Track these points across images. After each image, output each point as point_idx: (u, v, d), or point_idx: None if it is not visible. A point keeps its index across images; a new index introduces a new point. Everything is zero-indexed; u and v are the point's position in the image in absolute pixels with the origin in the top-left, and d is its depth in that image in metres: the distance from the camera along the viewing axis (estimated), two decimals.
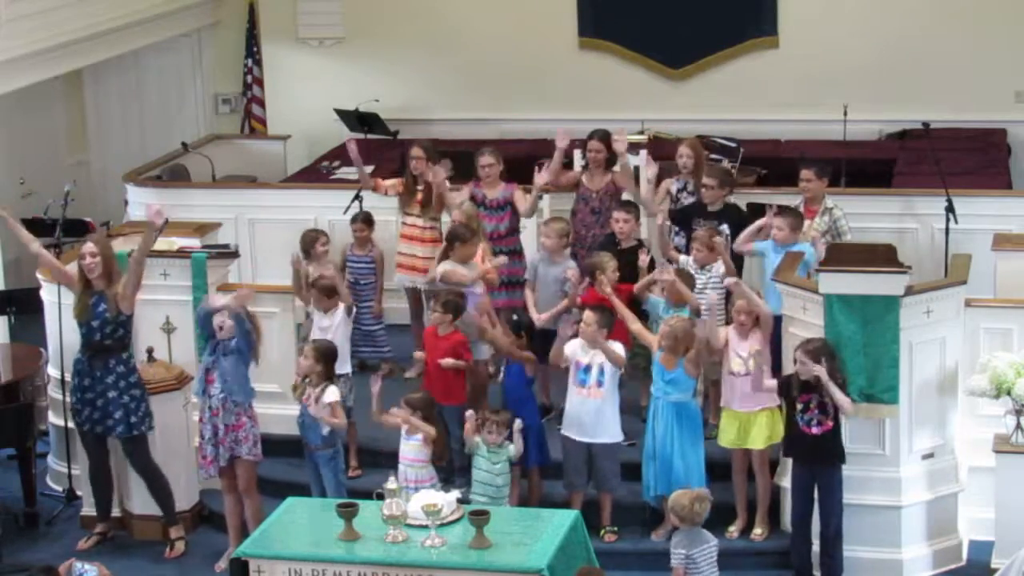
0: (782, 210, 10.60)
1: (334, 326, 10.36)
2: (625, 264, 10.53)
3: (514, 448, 9.60)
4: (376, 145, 15.12)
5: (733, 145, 13.73)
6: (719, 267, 10.45)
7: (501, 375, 10.55)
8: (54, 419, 11.08)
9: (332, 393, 9.68)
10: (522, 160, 12.18)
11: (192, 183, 14.14)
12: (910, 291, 9.39)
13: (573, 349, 9.83)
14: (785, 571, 9.65)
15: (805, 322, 9.62)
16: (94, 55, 14.33)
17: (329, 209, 12.72)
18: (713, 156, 13.14)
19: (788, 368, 9.59)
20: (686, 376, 9.58)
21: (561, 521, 8.72)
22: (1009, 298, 10.02)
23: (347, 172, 14.13)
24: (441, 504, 8.55)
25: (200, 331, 10.21)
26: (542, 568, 8.19)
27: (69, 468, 10.87)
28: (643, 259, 10.54)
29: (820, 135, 14.69)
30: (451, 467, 10.08)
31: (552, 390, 10.83)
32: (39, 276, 10.98)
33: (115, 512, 10.51)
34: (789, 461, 9.51)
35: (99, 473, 10.35)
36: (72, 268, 10.17)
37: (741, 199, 11.90)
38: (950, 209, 11.66)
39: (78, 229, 12.96)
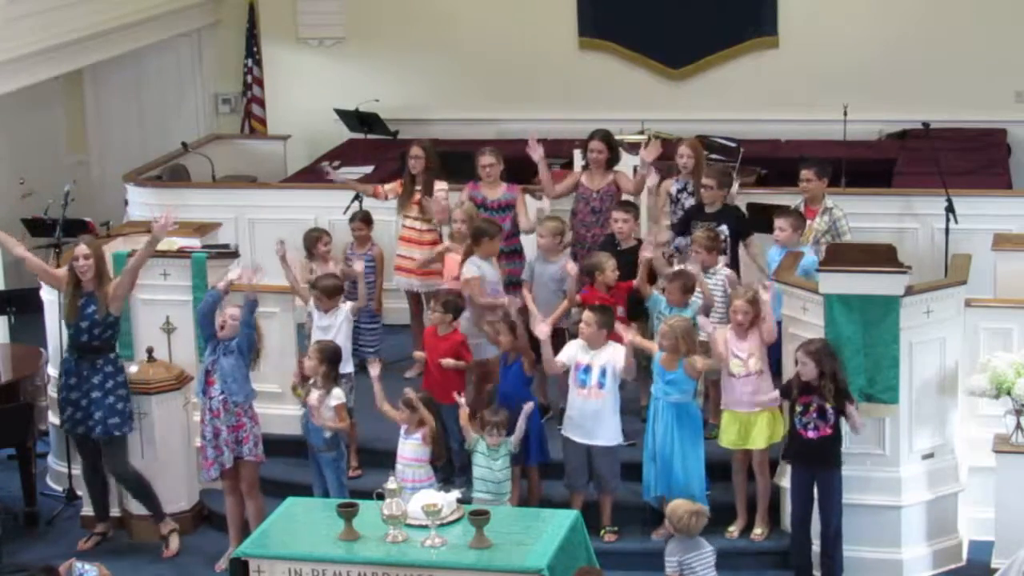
0: (783, 211, 10.64)
1: (336, 326, 10.36)
2: (624, 264, 10.53)
3: (514, 438, 9.58)
4: (376, 145, 15.14)
5: (733, 145, 13.73)
6: (723, 270, 10.45)
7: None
8: (54, 419, 11.06)
9: (337, 396, 9.69)
10: (522, 160, 12.16)
11: (192, 183, 14.14)
12: (910, 291, 9.39)
13: (573, 350, 9.82)
14: (785, 571, 9.65)
15: (805, 322, 9.62)
16: (94, 55, 14.34)
17: (329, 209, 12.71)
18: (713, 156, 13.15)
19: (788, 369, 9.58)
20: (686, 377, 9.58)
21: (561, 521, 8.72)
22: (1009, 298, 10.02)
23: (347, 172, 14.13)
24: (441, 504, 8.55)
25: (200, 331, 10.21)
26: (542, 568, 8.19)
27: (69, 468, 10.87)
28: (643, 255, 10.53)
29: (820, 135, 14.70)
30: (451, 467, 10.08)
31: (550, 390, 10.83)
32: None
33: (115, 512, 10.52)
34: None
35: (93, 474, 10.36)
36: (58, 270, 10.20)
37: (741, 199, 11.91)
38: (950, 209, 11.65)
39: (78, 229, 12.93)
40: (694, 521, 8.55)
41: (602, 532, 9.85)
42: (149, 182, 13.61)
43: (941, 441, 9.66)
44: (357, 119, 15.35)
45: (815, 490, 9.35)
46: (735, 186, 11.71)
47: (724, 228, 10.83)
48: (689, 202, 11.34)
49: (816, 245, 10.78)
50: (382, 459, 10.12)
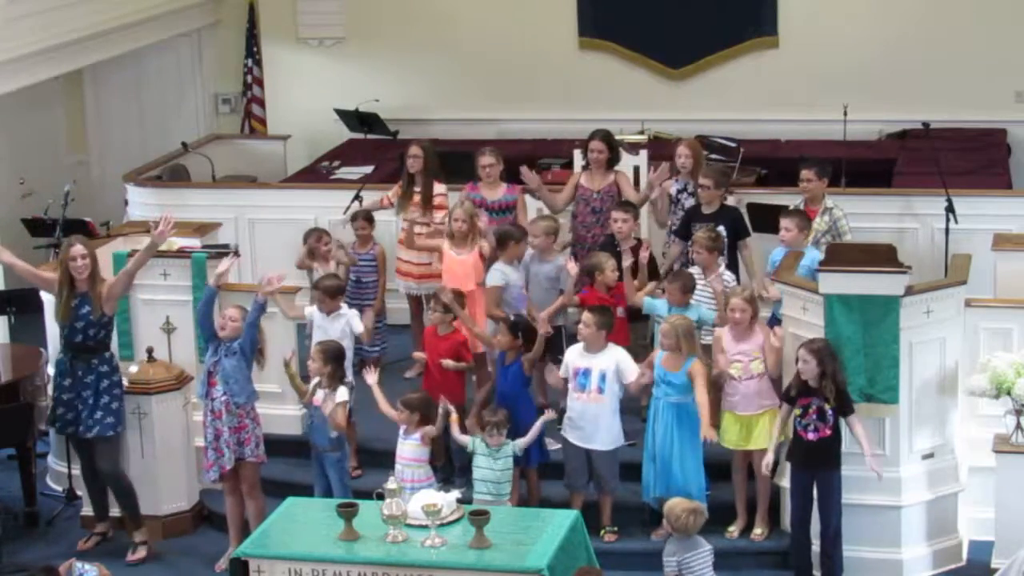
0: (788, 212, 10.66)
1: (337, 329, 10.35)
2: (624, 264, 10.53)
3: (523, 441, 9.55)
4: (376, 145, 15.13)
5: (733, 145, 13.73)
6: (726, 273, 10.45)
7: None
8: None
9: (342, 394, 9.70)
10: (522, 160, 12.16)
11: (192, 183, 14.13)
12: (910, 291, 9.38)
13: (572, 356, 9.81)
14: (785, 571, 9.65)
15: (805, 322, 9.61)
16: (94, 55, 14.33)
17: (329, 209, 12.71)
18: (713, 156, 13.15)
19: (788, 369, 9.58)
20: (687, 379, 9.56)
21: (561, 521, 8.72)
22: (1009, 298, 10.02)
23: (347, 172, 14.14)
24: (441, 504, 8.55)
25: (200, 331, 10.19)
26: (542, 568, 8.19)
27: (69, 468, 10.87)
28: (642, 254, 10.53)
29: (820, 135, 14.70)
30: (451, 467, 10.08)
31: (550, 390, 10.82)
32: None
33: (115, 512, 10.51)
34: (771, 452, 9.48)
35: (92, 474, 10.34)
36: (47, 273, 10.17)
37: (741, 199, 11.91)
38: (950, 209, 11.65)
39: (78, 229, 12.94)
40: (692, 520, 8.54)
41: (602, 532, 9.85)
42: (149, 182, 13.60)
43: (941, 441, 9.65)
44: (357, 119, 15.35)
45: (815, 490, 9.35)
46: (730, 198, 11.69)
47: (722, 229, 10.82)
48: (689, 202, 11.34)
49: (816, 245, 10.77)
50: (382, 459, 10.12)
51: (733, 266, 10.85)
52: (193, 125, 16.57)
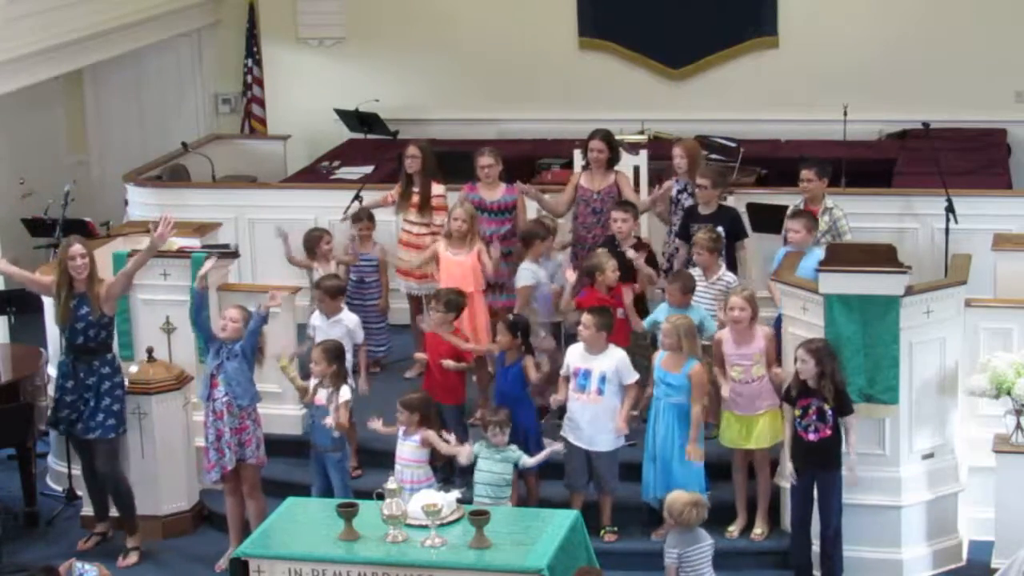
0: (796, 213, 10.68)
1: (337, 334, 10.35)
2: (624, 264, 10.53)
3: (529, 461, 9.52)
4: (376, 145, 15.13)
5: (733, 145, 13.72)
6: (727, 275, 10.44)
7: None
8: None
9: (345, 393, 9.70)
10: (522, 160, 12.16)
11: (192, 183, 14.14)
12: (910, 291, 9.38)
13: (572, 358, 9.80)
14: (785, 571, 9.65)
15: (805, 322, 9.61)
16: (94, 55, 14.33)
17: (329, 209, 12.71)
18: (713, 156, 13.15)
19: (788, 369, 9.57)
20: (687, 381, 9.55)
21: (561, 521, 8.72)
22: (1009, 298, 10.02)
23: (347, 172, 14.14)
24: (441, 504, 8.55)
25: (197, 332, 10.16)
26: (542, 568, 8.19)
27: (69, 468, 10.87)
28: (636, 261, 10.53)
29: (820, 135, 14.70)
30: (451, 467, 10.07)
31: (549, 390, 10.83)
32: None
33: (114, 512, 10.50)
34: (788, 460, 9.50)
35: (92, 474, 10.33)
36: (44, 277, 10.15)
37: (741, 199, 11.91)
38: (950, 209, 11.65)
39: (78, 229, 12.94)
40: (693, 513, 8.55)
41: (602, 532, 9.85)
42: (149, 182, 13.60)
43: (941, 441, 9.65)
44: (357, 119, 15.35)
45: (815, 490, 9.35)
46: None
47: (720, 230, 10.81)
48: (689, 203, 11.34)
49: (816, 245, 10.76)
50: (382, 459, 10.13)
51: (731, 267, 10.84)
52: (193, 125, 16.57)
